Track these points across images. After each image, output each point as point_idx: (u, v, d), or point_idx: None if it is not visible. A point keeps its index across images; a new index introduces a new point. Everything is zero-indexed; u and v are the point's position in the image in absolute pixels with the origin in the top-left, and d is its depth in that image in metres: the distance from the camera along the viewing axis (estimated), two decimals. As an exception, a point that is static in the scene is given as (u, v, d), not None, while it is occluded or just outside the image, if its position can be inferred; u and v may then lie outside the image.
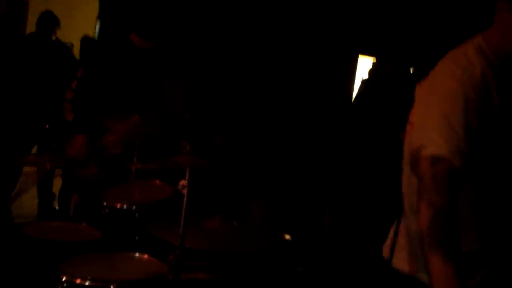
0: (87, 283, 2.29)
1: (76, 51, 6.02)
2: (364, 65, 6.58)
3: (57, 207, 5.44)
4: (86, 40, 5.51)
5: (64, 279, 2.30)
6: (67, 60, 5.33)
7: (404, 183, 1.94)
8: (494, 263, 1.83)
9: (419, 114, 1.84)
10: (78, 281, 2.29)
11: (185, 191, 2.33)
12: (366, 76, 5.88)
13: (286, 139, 5.10)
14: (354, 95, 6.05)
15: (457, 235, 1.63)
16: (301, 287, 2.87)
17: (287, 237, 2.60)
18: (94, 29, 7.45)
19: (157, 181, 3.36)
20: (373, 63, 5.68)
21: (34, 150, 5.14)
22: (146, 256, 2.63)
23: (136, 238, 2.95)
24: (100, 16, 7.25)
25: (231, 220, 2.59)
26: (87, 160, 3.26)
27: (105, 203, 3.14)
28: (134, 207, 3.16)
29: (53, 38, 5.19)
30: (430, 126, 1.73)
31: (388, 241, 2.04)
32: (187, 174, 2.34)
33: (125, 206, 3.16)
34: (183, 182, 2.33)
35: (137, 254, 2.65)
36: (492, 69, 1.76)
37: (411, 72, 5.07)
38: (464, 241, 1.65)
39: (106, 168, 3.36)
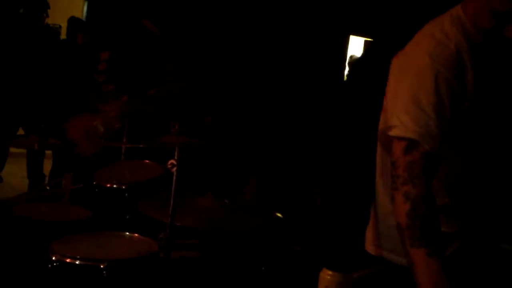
0: (77, 262, 2.28)
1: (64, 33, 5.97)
2: (355, 45, 6.57)
3: (48, 188, 5.44)
4: (73, 21, 5.45)
5: (54, 258, 2.29)
6: (54, 43, 5.30)
7: (377, 160, 1.88)
8: (470, 228, 1.78)
9: (392, 89, 1.75)
10: (68, 260, 2.28)
11: (174, 170, 2.32)
12: (354, 55, 5.88)
13: (279, 118, 5.10)
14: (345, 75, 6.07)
15: (437, 223, 1.56)
16: (293, 265, 2.88)
17: (278, 215, 2.60)
18: (81, 11, 7.38)
19: (146, 160, 3.37)
20: (367, 42, 5.68)
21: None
22: (136, 234, 2.63)
23: (127, 217, 2.95)
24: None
25: (222, 198, 2.59)
26: (88, 139, 3.25)
27: (95, 183, 3.15)
28: (123, 186, 3.18)
29: (45, 21, 5.14)
30: (400, 105, 1.64)
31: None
32: (175, 153, 2.34)
33: (115, 186, 3.18)
34: (172, 161, 2.31)
35: (127, 233, 2.65)
36: (468, 43, 1.65)
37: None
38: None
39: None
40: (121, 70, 4.38)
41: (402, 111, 1.62)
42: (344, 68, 5.92)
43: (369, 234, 1.95)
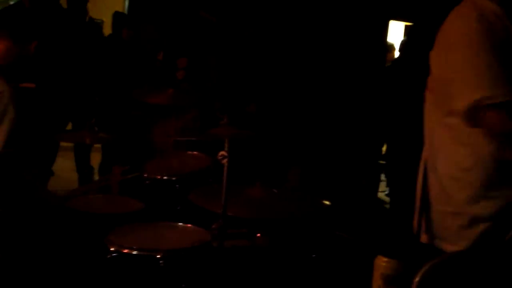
0: (134, 253, 2.35)
1: (107, 28, 6.06)
2: (395, 30, 6.52)
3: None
4: (118, 16, 5.54)
5: (112, 249, 2.37)
6: (98, 37, 5.39)
7: (435, 144, 1.92)
8: None
9: (450, 64, 1.80)
10: (125, 251, 2.35)
11: (225, 162, 2.37)
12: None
13: (320, 106, 5.10)
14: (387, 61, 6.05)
15: None
16: (343, 253, 2.91)
17: (327, 203, 2.63)
18: (122, 5, 7.47)
19: (195, 152, 3.43)
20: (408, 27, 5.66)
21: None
22: (189, 225, 2.69)
23: (178, 208, 3.01)
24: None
25: (271, 188, 2.62)
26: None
27: (145, 175, 3.22)
28: (173, 178, 3.24)
29: (87, 17, 5.23)
30: (462, 76, 1.72)
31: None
32: (226, 145, 2.38)
33: (165, 177, 3.25)
34: (222, 153, 2.36)
35: (180, 224, 2.71)
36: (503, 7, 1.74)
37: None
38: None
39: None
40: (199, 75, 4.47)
41: (468, 81, 1.70)
42: (385, 54, 5.89)
43: (416, 222, 1.97)
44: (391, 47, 6.46)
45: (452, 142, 1.82)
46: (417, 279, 1.56)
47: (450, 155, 1.83)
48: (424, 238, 1.92)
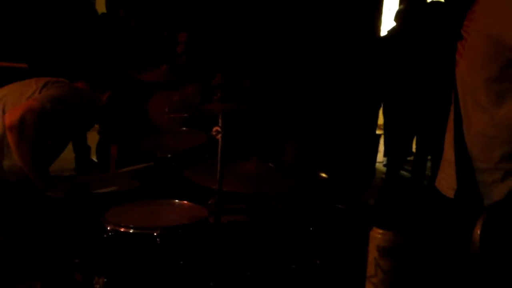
0: (131, 231, 2.35)
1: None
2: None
3: (95, 160, 5.57)
4: None
5: (109, 228, 2.37)
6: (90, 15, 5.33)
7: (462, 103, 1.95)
8: None
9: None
10: (122, 229, 2.36)
11: (219, 137, 2.35)
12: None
13: (315, 78, 5.07)
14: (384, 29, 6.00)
15: None
16: (341, 225, 2.91)
17: (323, 175, 2.62)
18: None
19: (189, 128, 3.41)
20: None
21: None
22: (186, 202, 2.69)
23: (175, 185, 3.01)
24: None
25: (267, 162, 2.61)
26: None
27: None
28: (168, 155, 3.23)
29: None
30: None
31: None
32: (219, 120, 2.36)
33: (159, 155, 3.24)
34: (216, 128, 2.34)
35: (177, 201, 2.71)
36: None
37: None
38: None
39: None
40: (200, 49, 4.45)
41: None
42: (380, 24, 5.83)
43: (445, 181, 1.99)
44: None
45: (490, 104, 1.86)
46: (478, 231, 1.60)
47: (486, 115, 1.87)
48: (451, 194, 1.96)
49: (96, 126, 5.26)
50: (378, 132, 6.27)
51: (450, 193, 1.96)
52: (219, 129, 2.33)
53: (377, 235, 1.62)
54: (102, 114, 3.13)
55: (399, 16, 5.67)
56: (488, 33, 1.83)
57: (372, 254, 1.62)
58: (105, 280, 2.26)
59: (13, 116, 2.71)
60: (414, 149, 6.12)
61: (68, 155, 5.50)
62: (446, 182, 2.00)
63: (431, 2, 5.51)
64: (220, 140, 2.33)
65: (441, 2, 5.40)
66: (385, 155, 6.65)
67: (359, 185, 4.57)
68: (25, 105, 2.78)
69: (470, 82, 1.96)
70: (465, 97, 1.97)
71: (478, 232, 1.64)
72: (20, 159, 2.72)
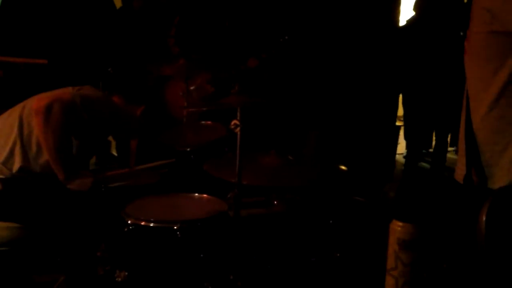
0: (151, 225, 2.37)
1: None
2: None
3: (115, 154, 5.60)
4: None
5: (129, 222, 2.39)
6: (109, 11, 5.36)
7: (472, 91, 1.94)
8: None
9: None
10: (143, 223, 2.37)
11: (237, 130, 2.35)
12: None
13: (335, 70, 5.05)
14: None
15: None
16: (361, 217, 2.90)
17: (343, 168, 2.61)
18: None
19: (209, 122, 3.41)
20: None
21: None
22: (205, 195, 2.70)
23: (194, 178, 3.02)
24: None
25: (286, 155, 2.61)
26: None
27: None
28: (188, 148, 3.24)
29: None
30: None
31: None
32: (238, 114, 2.37)
33: (179, 148, 3.25)
34: (235, 121, 2.34)
35: (197, 194, 2.72)
36: None
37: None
38: None
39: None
40: (189, 33, 4.46)
41: None
42: (399, 14, 5.79)
43: (460, 167, 1.98)
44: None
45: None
46: (483, 217, 1.59)
47: (492, 97, 1.86)
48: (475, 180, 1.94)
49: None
50: (398, 123, 6.23)
51: (460, 178, 1.94)
52: (237, 122, 2.33)
53: (397, 227, 1.61)
54: (136, 127, 3.17)
55: (418, 6, 5.62)
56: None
57: (392, 247, 1.62)
58: (126, 273, 2.28)
59: (42, 101, 2.77)
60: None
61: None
62: (460, 170, 1.99)
63: None
64: (238, 133, 2.34)
65: None
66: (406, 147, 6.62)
67: (379, 177, 4.54)
68: (56, 93, 2.84)
69: (476, 68, 1.93)
70: (471, 82, 1.95)
71: (484, 218, 1.62)
72: (44, 145, 2.76)
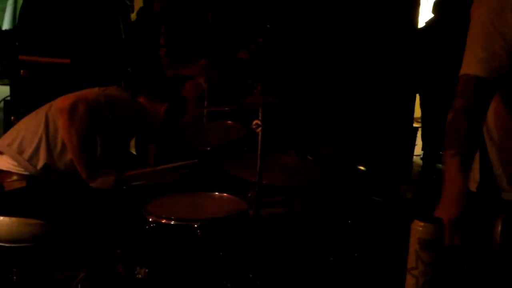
0: (172, 223, 2.39)
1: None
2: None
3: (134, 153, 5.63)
4: None
5: (150, 220, 2.41)
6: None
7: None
8: None
9: None
10: (163, 221, 2.39)
11: (259, 130, 2.37)
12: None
13: (353, 71, 5.05)
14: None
15: (472, 135, 1.70)
16: (379, 218, 2.91)
17: (361, 168, 2.62)
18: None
19: (229, 121, 3.44)
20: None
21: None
22: (225, 194, 2.72)
23: (214, 177, 3.04)
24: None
25: (305, 155, 2.62)
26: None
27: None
28: (208, 148, 3.27)
29: None
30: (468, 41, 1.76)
31: None
32: (259, 114, 2.38)
33: (199, 148, 3.27)
34: (256, 121, 2.36)
35: (216, 193, 2.74)
36: None
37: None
38: None
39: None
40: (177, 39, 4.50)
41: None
42: (418, 16, 5.77)
43: (473, 173, 1.96)
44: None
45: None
46: (499, 228, 1.60)
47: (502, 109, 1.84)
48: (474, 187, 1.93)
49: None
50: (415, 125, 6.21)
51: (473, 186, 1.91)
52: (259, 122, 2.35)
53: (418, 227, 1.62)
54: (163, 127, 3.18)
55: (437, 7, 5.60)
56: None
57: (413, 246, 1.63)
58: (146, 270, 2.30)
59: (67, 100, 2.81)
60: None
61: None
62: (474, 177, 1.94)
63: None
64: (260, 133, 2.35)
65: None
66: (422, 148, 6.59)
67: (396, 178, 4.54)
68: (82, 93, 2.88)
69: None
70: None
71: (499, 229, 1.62)
72: (67, 143, 2.80)
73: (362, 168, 2.63)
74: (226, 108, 3.25)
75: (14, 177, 2.83)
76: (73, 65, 4.49)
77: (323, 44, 4.95)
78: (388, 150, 4.96)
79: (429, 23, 5.65)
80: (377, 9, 5.14)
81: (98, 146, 2.92)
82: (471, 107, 1.69)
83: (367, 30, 5.06)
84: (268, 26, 4.48)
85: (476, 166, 1.91)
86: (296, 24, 4.82)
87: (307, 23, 4.87)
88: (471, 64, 1.72)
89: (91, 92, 2.90)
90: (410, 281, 1.63)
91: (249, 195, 2.52)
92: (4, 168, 2.84)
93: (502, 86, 1.73)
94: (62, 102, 2.82)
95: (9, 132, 2.97)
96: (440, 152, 6.39)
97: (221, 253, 2.37)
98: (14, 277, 2.64)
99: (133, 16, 5.48)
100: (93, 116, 2.81)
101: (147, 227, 2.41)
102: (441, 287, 1.62)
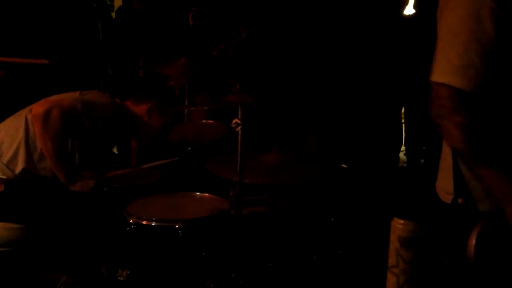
0: (153, 224, 2.37)
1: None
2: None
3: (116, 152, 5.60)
4: None
5: (131, 221, 2.39)
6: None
7: None
8: None
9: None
10: (144, 222, 2.37)
11: (238, 129, 2.35)
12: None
13: (335, 68, 5.04)
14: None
15: (492, 142, 1.64)
16: (362, 215, 2.91)
17: (343, 166, 2.61)
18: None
19: (210, 120, 3.42)
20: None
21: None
22: (207, 194, 2.70)
23: (196, 177, 3.03)
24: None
25: (287, 153, 2.61)
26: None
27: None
28: (189, 147, 3.25)
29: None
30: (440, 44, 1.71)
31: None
32: (239, 112, 2.37)
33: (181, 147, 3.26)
34: (236, 120, 2.34)
35: (198, 193, 2.72)
36: None
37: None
38: None
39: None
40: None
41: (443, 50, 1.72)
42: (401, 11, 5.77)
43: (444, 183, 1.92)
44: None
45: None
46: (473, 241, 1.59)
47: None
48: (460, 200, 1.89)
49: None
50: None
51: (446, 198, 1.87)
52: (238, 121, 2.33)
53: (398, 225, 1.61)
54: (154, 128, 3.11)
55: (417, 3, 5.60)
56: None
57: (394, 244, 1.62)
58: (128, 272, 2.28)
59: (41, 107, 2.75)
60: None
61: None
62: (442, 183, 1.91)
63: None
64: (239, 132, 2.34)
65: None
66: (404, 144, 6.61)
67: (380, 174, 4.54)
68: (58, 99, 2.82)
69: None
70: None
71: (473, 242, 1.62)
72: (43, 149, 2.76)
73: (344, 165, 2.62)
74: (205, 107, 3.23)
75: None
76: (51, 65, 4.44)
77: (304, 42, 4.94)
78: (373, 147, 4.97)
79: (408, 18, 5.65)
80: (359, 4, 5.14)
81: (75, 151, 2.88)
82: (470, 123, 1.64)
83: (348, 27, 5.06)
84: (228, 27, 4.46)
85: (448, 177, 1.87)
86: (276, 22, 4.81)
87: (287, 21, 4.85)
88: (446, 72, 1.68)
89: (69, 98, 2.84)
90: (391, 279, 1.63)
91: (231, 194, 2.50)
92: None
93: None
94: (36, 109, 2.75)
95: None
96: (423, 148, 6.43)
97: (203, 254, 2.35)
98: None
99: (113, 15, 5.45)
100: (67, 123, 2.75)
101: (128, 228, 2.39)
102: (423, 285, 1.61)
